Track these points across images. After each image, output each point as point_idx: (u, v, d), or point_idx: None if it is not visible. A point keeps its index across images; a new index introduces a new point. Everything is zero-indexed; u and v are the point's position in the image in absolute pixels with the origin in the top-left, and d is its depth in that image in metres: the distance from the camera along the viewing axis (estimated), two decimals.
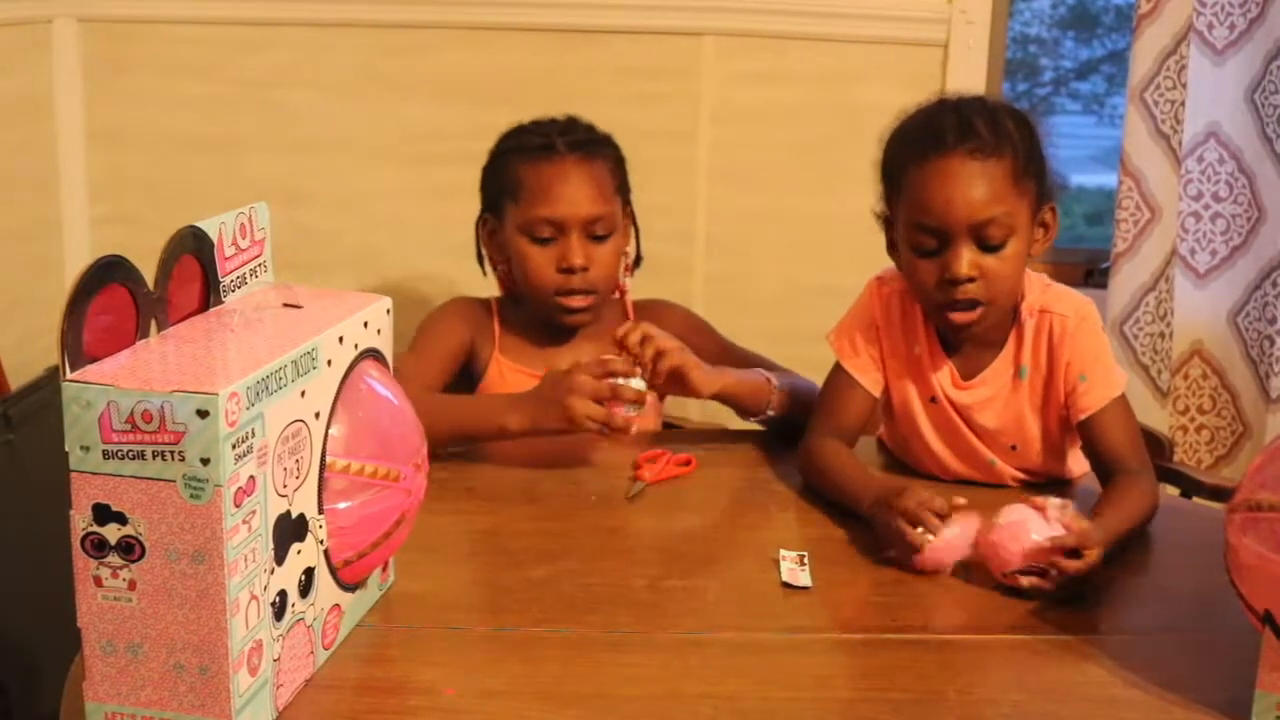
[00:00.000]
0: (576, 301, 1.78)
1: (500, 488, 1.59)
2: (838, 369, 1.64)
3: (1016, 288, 1.55)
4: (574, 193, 1.76)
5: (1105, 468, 1.54)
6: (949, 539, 1.35)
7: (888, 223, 1.60)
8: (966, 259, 1.48)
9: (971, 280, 1.49)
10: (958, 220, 1.48)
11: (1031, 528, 1.32)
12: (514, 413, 1.60)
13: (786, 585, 1.34)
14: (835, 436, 1.61)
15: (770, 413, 1.71)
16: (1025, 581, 1.31)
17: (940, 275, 1.50)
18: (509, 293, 1.87)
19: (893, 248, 1.61)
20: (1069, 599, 1.31)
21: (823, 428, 1.62)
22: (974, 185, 1.48)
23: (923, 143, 1.51)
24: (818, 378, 1.72)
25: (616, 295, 1.91)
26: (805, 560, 1.38)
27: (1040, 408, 1.59)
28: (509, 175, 1.80)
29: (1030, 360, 1.58)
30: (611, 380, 1.58)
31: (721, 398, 1.70)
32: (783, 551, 1.40)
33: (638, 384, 1.59)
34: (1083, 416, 1.55)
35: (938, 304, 1.53)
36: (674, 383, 1.64)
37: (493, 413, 1.63)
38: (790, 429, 1.71)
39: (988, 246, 1.49)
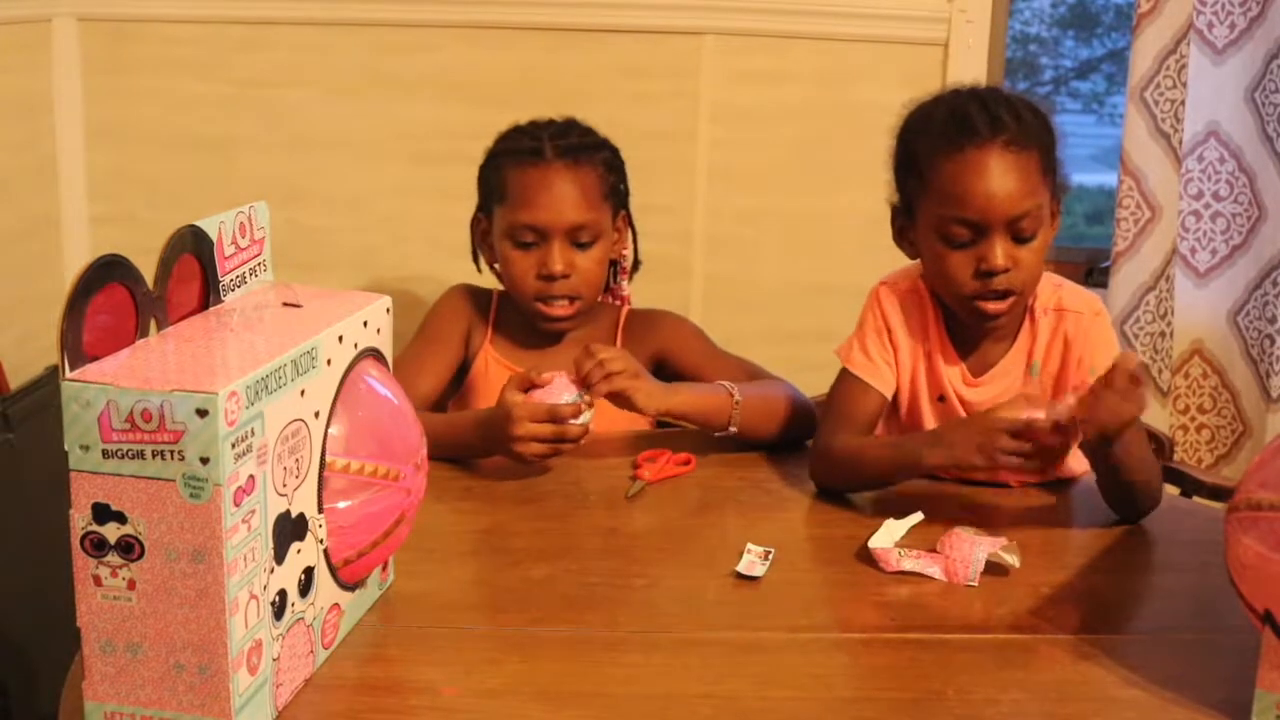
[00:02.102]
0: (557, 309, 1.78)
1: (499, 487, 1.59)
2: (846, 375, 1.62)
3: (1039, 277, 1.56)
4: (557, 200, 1.75)
5: None
6: (966, 554, 1.36)
7: (897, 211, 1.60)
8: (1002, 250, 1.49)
9: (1006, 271, 1.49)
10: (997, 213, 1.48)
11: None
12: (476, 437, 1.62)
13: (739, 575, 1.35)
14: (848, 435, 1.60)
15: (732, 429, 1.69)
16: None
17: (975, 267, 1.50)
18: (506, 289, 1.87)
19: (901, 237, 1.60)
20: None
21: (834, 429, 1.60)
22: (1011, 178, 1.48)
23: (954, 133, 1.50)
24: (817, 378, 1.72)
25: (615, 302, 1.91)
26: (769, 556, 1.38)
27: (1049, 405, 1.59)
28: (498, 177, 1.80)
29: (1043, 358, 1.58)
30: (557, 424, 1.57)
31: (672, 416, 1.69)
32: (749, 545, 1.40)
33: (584, 417, 1.59)
34: None
35: (969, 295, 1.52)
36: (621, 402, 1.63)
37: (459, 433, 1.63)
38: (773, 444, 1.71)
39: (1020, 238, 1.50)
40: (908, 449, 1.52)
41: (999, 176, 1.48)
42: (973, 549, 1.35)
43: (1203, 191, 2.44)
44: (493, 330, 1.85)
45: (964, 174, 1.49)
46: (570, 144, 1.78)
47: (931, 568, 1.36)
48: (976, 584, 1.34)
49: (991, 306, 1.52)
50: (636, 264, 1.92)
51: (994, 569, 1.36)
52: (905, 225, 1.59)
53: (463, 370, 1.85)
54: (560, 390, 1.59)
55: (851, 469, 1.56)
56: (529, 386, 1.59)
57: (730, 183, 2.47)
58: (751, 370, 1.80)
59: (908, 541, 1.41)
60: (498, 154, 1.82)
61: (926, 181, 1.53)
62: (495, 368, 1.82)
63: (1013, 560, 1.36)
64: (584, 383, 1.59)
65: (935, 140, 1.52)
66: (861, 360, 1.62)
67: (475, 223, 1.87)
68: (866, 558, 1.39)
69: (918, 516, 1.46)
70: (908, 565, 1.37)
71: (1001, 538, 1.38)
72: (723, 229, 2.49)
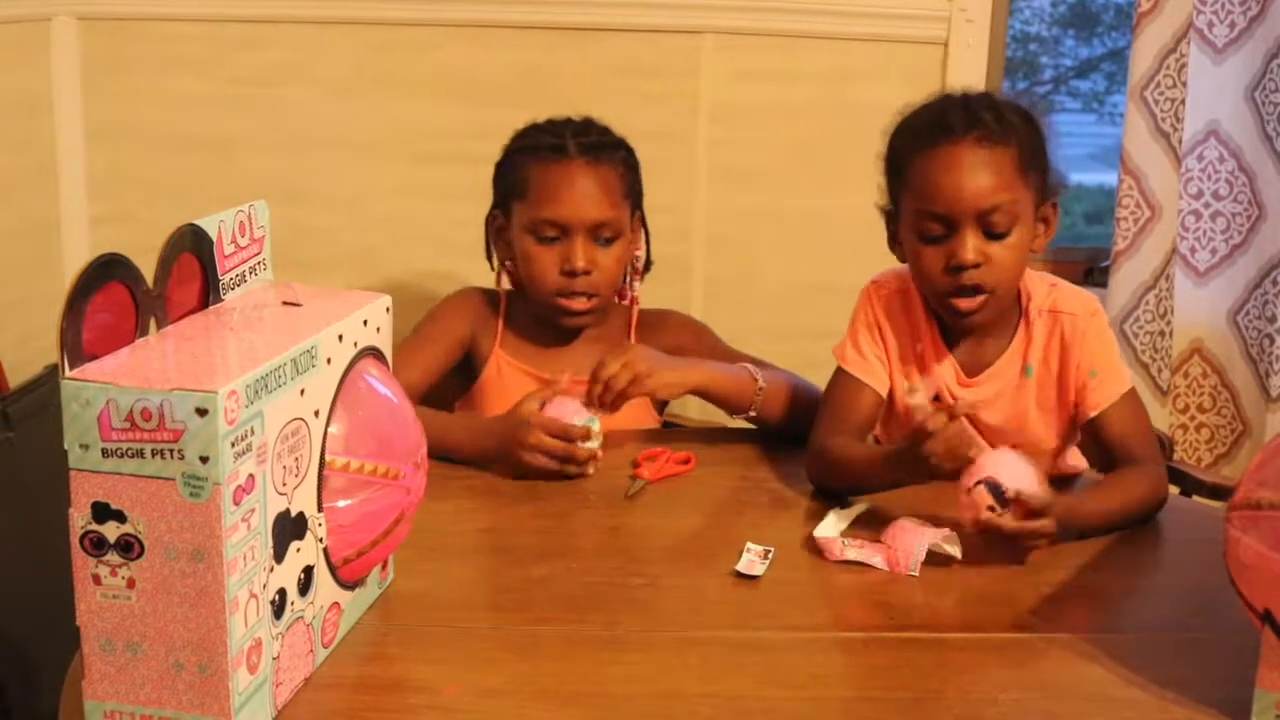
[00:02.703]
0: (578, 304, 1.78)
1: (499, 486, 1.59)
2: (841, 373, 1.63)
3: (1018, 277, 1.56)
4: (581, 196, 1.76)
5: (1116, 462, 1.55)
6: (908, 545, 1.36)
7: (889, 215, 1.61)
8: (972, 245, 1.49)
9: (976, 266, 1.50)
10: (965, 206, 1.49)
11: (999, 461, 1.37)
12: (471, 442, 1.62)
13: (739, 574, 1.35)
14: (843, 435, 1.60)
15: (752, 413, 1.71)
16: (979, 505, 1.34)
17: (946, 261, 1.51)
18: (517, 289, 1.87)
19: (894, 241, 1.61)
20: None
21: (830, 429, 1.60)
22: (981, 172, 1.49)
23: (929, 132, 1.52)
24: (817, 376, 1.72)
25: (626, 302, 1.91)
26: (769, 555, 1.38)
27: (1046, 406, 1.59)
28: (519, 174, 1.80)
29: (1039, 360, 1.58)
30: (566, 444, 1.58)
31: (697, 393, 1.70)
32: (749, 544, 1.40)
33: (592, 443, 1.60)
34: (1094, 413, 1.56)
35: (942, 291, 1.53)
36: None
37: (450, 435, 1.62)
38: (786, 432, 1.72)
39: (993, 234, 1.50)
40: (888, 465, 1.50)
41: (969, 170, 1.49)
42: (915, 539, 1.36)
43: (1202, 191, 2.44)
44: (503, 333, 1.85)
45: (934, 168, 1.51)
46: (591, 141, 1.79)
47: (874, 558, 1.37)
48: (917, 574, 1.35)
49: (962, 303, 1.53)
50: (648, 265, 1.92)
51: (936, 559, 1.37)
52: (895, 230, 1.60)
53: (471, 373, 1.84)
54: (569, 414, 1.60)
55: (842, 475, 1.56)
56: (544, 402, 1.61)
57: (730, 182, 2.47)
58: (761, 365, 1.81)
59: (853, 531, 1.42)
60: (518, 150, 1.82)
61: (905, 180, 1.55)
62: (508, 370, 1.82)
63: (954, 551, 1.37)
64: (597, 403, 1.61)
65: (913, 140, 1.55)
66: (855, 358, 1.62)
67: (490, 219, 1.86)
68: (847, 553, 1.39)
69: (863, 505, 1.47)
70: (851, 555, 1.38)
71: (944, 528, 1.39)
72: (723, 228, 2.49)
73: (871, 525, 1.44)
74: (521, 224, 1.79)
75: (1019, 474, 1.36)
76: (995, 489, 1.34)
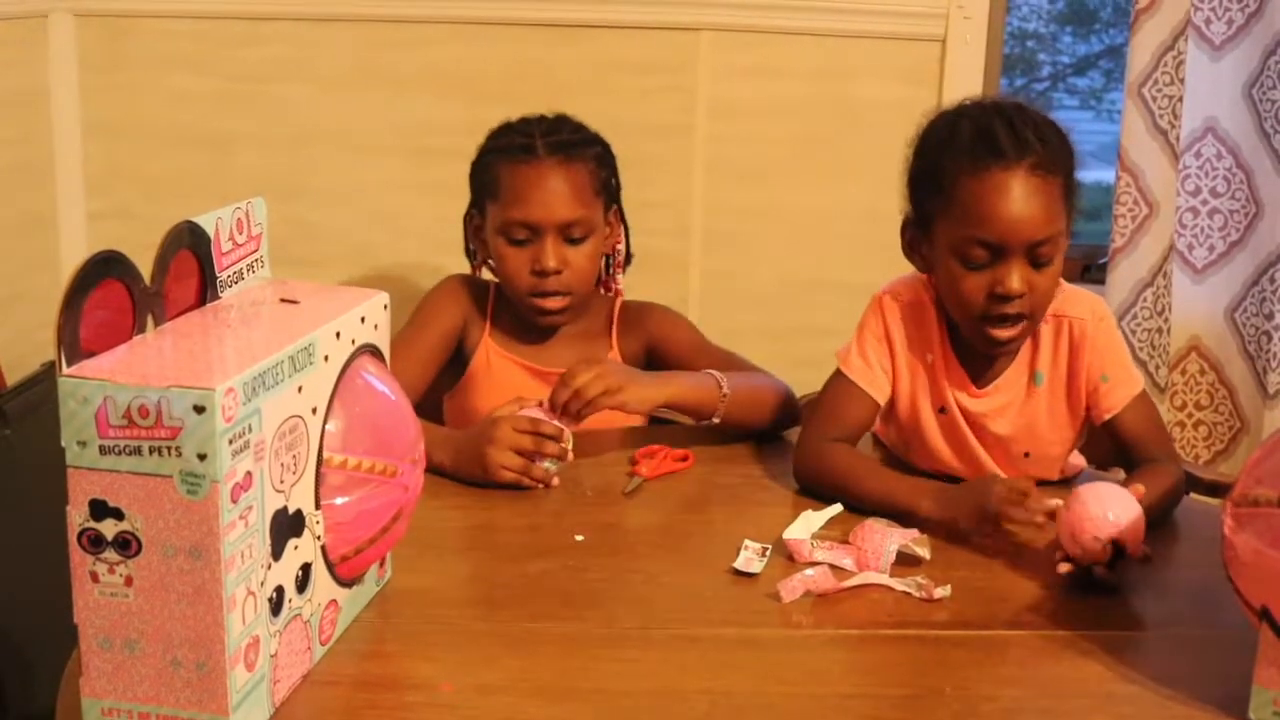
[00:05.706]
0: (551, 304, 1.79)
1: (497, 483, 1.59)
2: (841, 377, 1.61)
3: (1051, 301, 1.54)
4: (550, 196, 1.76)
5: (1134, 462, 1.55)
6: (877, 546, 1.36)
7: (912, 224, 1.58)
8: (1018, 275, 1.47)
9: (1021, 296, 1.48)
10: (1019, 238, 1.46)
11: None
12: (440, 449, 1.58)
13: (736, 572, 1.35)
14: (837, 440, 1.59)
15: (716, 420, 1.70)
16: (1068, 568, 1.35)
17: (990, 290, 1.48)
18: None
19: (913, 250, 1.58)
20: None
21: (823, 432, 1.59)
22: (1034, 203, 1.46)
23: (980, 152, 1.47)
24: (813, 373, 1.72)
25: (611, 294, 1.91)
26: (766, 552, 1.38)
27: (1055, 412, 1.58)
28: (490, 174, 1.81)
29: (1048, 366, 1.57)
30: (535, 440, 1.56)
31: (667, 407, 1.70)
32: (747, 541, 1.40)
33: (565, 444, 1.59)
34: (1108, 416, 1.55)
35: (980, 316, 1.50)
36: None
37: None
38: (751, 433, 1.74)
39: (1038, 263, 1.48)
40: (902, 495, 1.49)
41: (1023, 201, 1.46)
42: (884, 540, 1.36)
43: (1200, 188, 2.44)
44: (491, 323, 1.85)
45: (989, 195, 1.46)
46: (562, 140, 1.79)
47: (844, 559, 1.37)
48: (888, 574, 1.34)
49: (1002, 333, 1.50)
50: (629, 257, 1.93)
51: (906, 560, 1.37)
52: (918, 239, 1.57)
53: (461, 362, 1.85)
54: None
55: (838, 486, 1.54)
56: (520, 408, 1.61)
57: (728, 178, 2.47)
58: (738, 363, 1.81)
59: (823, 533, 1.42)
60: (489, 151, 1.83)
61: (949, 199, 1.50)
62: (496, 360, 1.83)
63: (923, 553, 1.37)
64: (563, 411, 1.60)
65: (960, 158, 1.49)
66: (859, 365, 1.61)
67: (468, 219, 1.87)
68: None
69: (836, 508, 1.47)
70: (820, 556, 1.38)
71: (913, 530, 1.38)
72: (720, 224, 2.49)
73: (841, 526, 1.44)
74: (494, 225, 1.80)
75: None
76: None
